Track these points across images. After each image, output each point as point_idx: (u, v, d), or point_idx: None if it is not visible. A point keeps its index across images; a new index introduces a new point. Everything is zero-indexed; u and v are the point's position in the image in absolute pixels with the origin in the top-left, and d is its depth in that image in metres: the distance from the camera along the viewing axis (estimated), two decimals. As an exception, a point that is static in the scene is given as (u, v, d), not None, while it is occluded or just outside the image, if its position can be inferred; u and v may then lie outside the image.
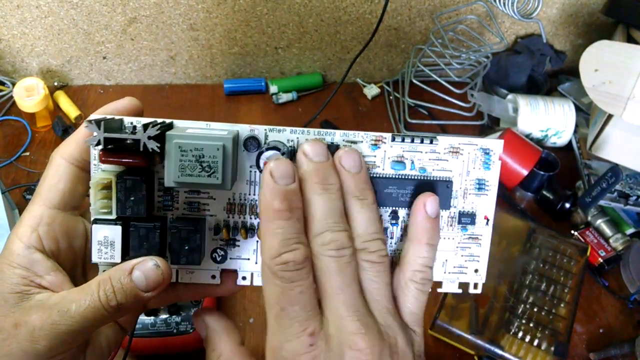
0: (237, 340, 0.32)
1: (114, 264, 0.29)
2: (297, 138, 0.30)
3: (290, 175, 0.28)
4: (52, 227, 0.30)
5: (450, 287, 0.33)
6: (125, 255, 0.29)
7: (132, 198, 0.28)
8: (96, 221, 0.29)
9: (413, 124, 0.87)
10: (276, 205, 0.27)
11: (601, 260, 0.71)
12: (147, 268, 0.28)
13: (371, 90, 0.94)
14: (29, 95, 0.80)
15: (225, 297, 0.65)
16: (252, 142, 0.30)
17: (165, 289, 0.29)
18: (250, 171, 0.31)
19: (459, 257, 0.33)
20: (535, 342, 0.60)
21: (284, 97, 0.91)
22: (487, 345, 0.59)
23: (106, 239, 0.29)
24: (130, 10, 0.84)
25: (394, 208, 0.31)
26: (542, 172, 0.77)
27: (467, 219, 0.32)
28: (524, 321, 0.62)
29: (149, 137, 0.27)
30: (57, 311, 0.27)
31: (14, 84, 0.83)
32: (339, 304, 0.27)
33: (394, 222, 0.32)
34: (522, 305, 0.63)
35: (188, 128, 0.29)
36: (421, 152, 0.31)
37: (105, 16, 0.84)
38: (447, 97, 0.84)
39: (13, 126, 0.84)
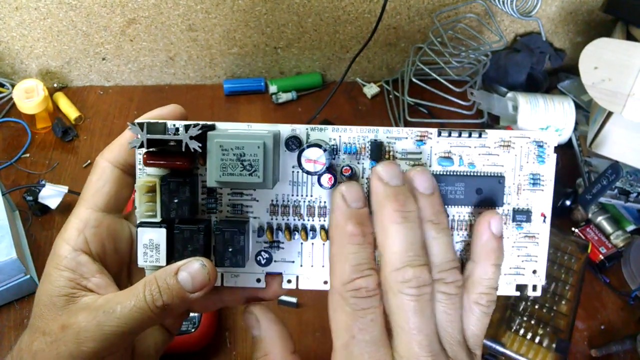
0: (291, 347, 0.31)
1: (159, 267, 0.29)
2: (340, 136, 0.30)
3: (362, 199, 0.28)
4: (98, 230, 0.30)
5: (507, 289, 0.31)
6: (171, 258, 0.30)
7: (176, 200, 0.29)
8: (142, 224, 0.29)
9: (413, 122, 0.87)
10: (349, 228, 0.27)
11: (602, 257, 0.71)
12: (193, 269, 0.28)
13: (371, 90, 0.94)
14: (29, 97, 0.80)
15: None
16: (294, 142, 0.30)
17: (209, 293, 0.29)
18: (293, 172, 0.30)
19: (515, 257, 0.31)
20: (537, 339, 0.60)
21: (284, 97, 0.91)
22: (489, 343, 0.59)
23: (151, 242, 0.29)
24: (129, 12, 0.84)
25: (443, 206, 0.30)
26: (542, 170, 0.76)
27: (522, 216, 0.31)
28: (525, 318, 0.62)
29: (191, 137, 0.27)
30: (102, 312, 0.27)
31: (13, 86, 0.83)
32: (414, 343, 0.26)
33: None
34: (524, 303, 0.63)
35: (229, 129, 0.30)
36: (469, 146, 0.30)
37: (104, 17, 0.84)
38: (446, 96, 0.84)
39: (13, 128, 0.84)
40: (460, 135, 0.30)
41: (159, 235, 0.29)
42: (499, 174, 0.30)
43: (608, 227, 0.74)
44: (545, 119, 0.81)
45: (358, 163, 0.30)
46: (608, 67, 0.69)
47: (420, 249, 0.27)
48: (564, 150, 0.84)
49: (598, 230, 0.74)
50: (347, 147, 0.30)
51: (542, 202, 0.31)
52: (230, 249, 0.29)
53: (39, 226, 0.72)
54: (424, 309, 0.26)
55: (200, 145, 0.28)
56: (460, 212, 0.31)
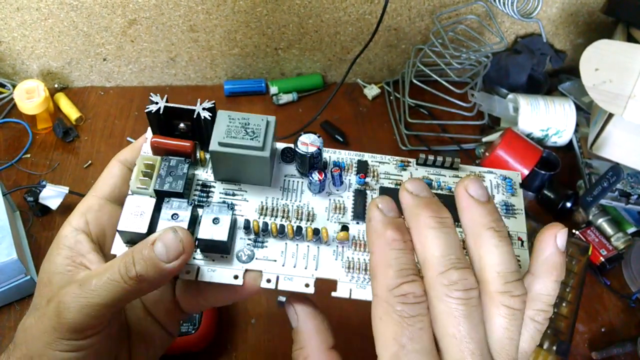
0: (329, 342, 0.30)
1: (136, 234, 0.30)
2: (329, 157, 0.34)
3: (396, 209, 0.27)
4: (100, 214, 0.32)
5: None
6: (152, 229, 0.30)
7: (173, 174, 0.31)
8: (132, 193, 0.31)
9: (413, 123, 0.87)
10: (389, 234, 0.25)
11: (603, 260, 0.71)
12: (167, 238, 0.28)
13: (371, 91, 0.94)
14: (30, 98, 0.80)
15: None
16: (289, 153, 0.33)
17: (193, 293, 0.29)
18: (285, 179, 0.33)
19: None
20: (537, 342, 0.60)
21: (284, 98, 0.91)
22: (489, 345, 0.59)
23: (138, 209, 0.30)
24: (130, 12, 0.84)
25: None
26: (543, 172, 0.77)
27: None
28: (525, 321, 0.61)
29: (204, 109, 0.31)
30: (79, 285, 0.28)
31: (14, 86, 0.83)
32: (465, 352, 0.24)
33: None
34: (524, 305, 0.63)
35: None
36: (445, 175, 0.34)
37: (105, 18, 0.84)
38: (447, 97, 0.84)
39: (14, 128, 0.84)
40: (434, 165, 0.34)
41: (148, 204, 0.30)
42: None
43: (609, 229, 0.74)
44: (546, 120, 0.81)
45: (345, 178, 0.33)
46: (609, 69, 0.69)
47: (460, 252, 0.25)
48: (565, 152, 0.84)
49: (599, 232, 0.74)
50: (336, 162, 0.34)
51: (517, 227, 0.33)
52: (216, 224, 0.30)
53: (39, 227, 0.72)
54: (473, 313, 0.24)
55: (211, 115, 0.30)
56: None
